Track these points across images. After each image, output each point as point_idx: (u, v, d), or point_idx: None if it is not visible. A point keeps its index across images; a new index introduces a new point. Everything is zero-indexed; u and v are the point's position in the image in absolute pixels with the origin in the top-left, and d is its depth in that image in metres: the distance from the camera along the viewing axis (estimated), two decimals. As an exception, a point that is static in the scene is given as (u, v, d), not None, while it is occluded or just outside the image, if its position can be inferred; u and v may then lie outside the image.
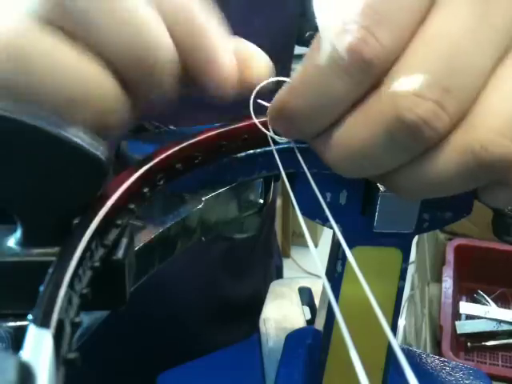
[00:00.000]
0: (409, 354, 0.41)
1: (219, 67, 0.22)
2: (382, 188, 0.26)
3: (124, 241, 0.19)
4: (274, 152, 0.24)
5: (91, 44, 0.20)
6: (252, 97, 0.24)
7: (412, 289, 1.50)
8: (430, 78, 0.17)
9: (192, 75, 0.22)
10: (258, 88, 0.24)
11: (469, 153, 0.18)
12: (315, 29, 0.19)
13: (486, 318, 1.06)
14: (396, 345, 0.12)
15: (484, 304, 1.11)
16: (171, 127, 0.29)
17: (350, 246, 0.29)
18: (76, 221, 0.18)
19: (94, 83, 0.20)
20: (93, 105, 0.20)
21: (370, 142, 0.18)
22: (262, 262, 0.65)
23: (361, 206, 0.28)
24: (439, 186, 0.19)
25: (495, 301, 1.11)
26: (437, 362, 0.41)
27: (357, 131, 0.19)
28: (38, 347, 0.13)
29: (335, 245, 0.30)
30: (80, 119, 0.19)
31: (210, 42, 0.22)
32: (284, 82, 0.21)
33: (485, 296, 1.12)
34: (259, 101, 0.24)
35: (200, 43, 0.22)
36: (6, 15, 0.19)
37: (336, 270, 0.30)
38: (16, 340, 0.18)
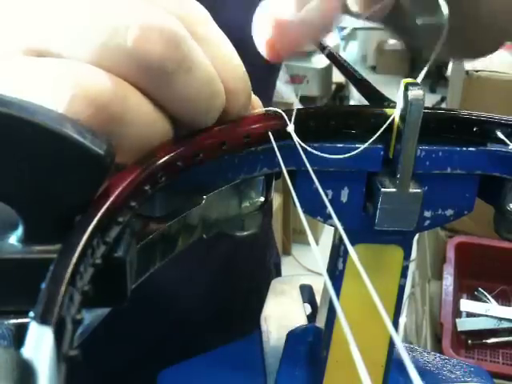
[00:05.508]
0: (409, 351, 0.41)
1: (250, 106, 0.25)
2: (383, 186, 0.26)
3: (125, 238, 0.19)
4: (276, 149, 0.24)
5: (165, 106, 0.22)
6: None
7: (413, 286, 1.50)
8: None
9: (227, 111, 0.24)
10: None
11: None
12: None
13: (486, 316, 1.07)
14: (399, 341, 0.12)
15: (485, 301, 1.11)
16: None
17: (351, 244, 0.29)
18: (77, 218, 0.18)
19: (160, 133, 0.22)
20: (150, 145, 0.22)
21: None
22: (261, 260, 0.65)
23: (362, 203, 0.28)
24: None
25: (496, 298, 1.11)
26: (437, 359, 0.41)
27: None
28: (39, 344, 0.13)
29: (336, 242, 0.30)
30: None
31: (248, 85, 0.24)
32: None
33: (485, 293, 1.12)
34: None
35: (242, 86, 0.24)
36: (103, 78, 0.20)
37: (337, 268, 0.30)
38: (17, 337, 0.18)
